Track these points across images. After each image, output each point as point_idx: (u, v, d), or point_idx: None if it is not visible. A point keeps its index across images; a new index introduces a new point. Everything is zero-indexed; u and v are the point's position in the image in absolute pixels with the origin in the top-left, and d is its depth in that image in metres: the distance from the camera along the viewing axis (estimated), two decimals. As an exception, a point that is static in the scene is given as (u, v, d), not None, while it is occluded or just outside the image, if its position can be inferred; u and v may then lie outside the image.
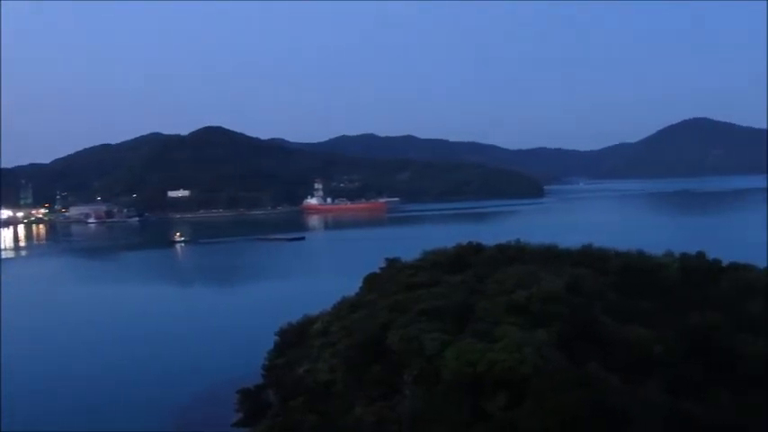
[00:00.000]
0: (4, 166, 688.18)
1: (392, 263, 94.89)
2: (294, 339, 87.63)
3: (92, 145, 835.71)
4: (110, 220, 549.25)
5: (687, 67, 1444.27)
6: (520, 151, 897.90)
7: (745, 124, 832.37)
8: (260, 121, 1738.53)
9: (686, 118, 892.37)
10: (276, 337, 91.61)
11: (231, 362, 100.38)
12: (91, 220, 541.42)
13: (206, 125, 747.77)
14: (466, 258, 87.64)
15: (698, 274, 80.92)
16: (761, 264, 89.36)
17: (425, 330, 62.51)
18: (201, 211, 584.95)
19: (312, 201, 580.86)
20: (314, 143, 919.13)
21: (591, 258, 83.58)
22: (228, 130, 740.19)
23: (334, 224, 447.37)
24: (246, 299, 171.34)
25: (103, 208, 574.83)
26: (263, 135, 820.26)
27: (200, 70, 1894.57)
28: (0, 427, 75.01)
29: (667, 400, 53.76)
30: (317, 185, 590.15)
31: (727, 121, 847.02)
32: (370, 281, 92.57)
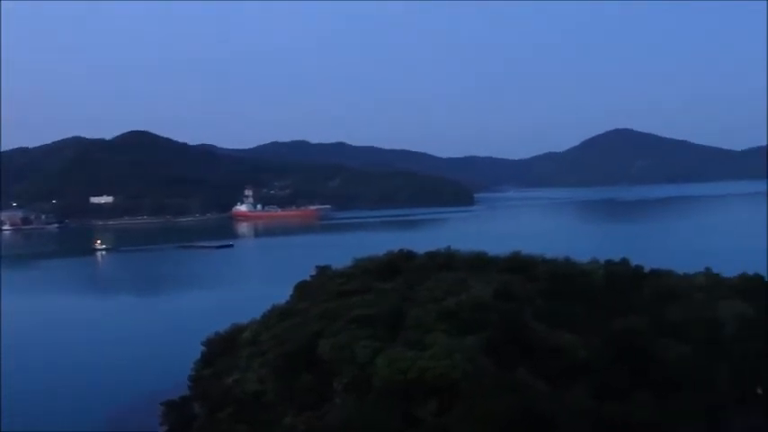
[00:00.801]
0: None
1: (323, 270, 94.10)
2: (222, 349, 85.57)
3: (7, 149, 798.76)
4: (27, 227, 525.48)
5: (612, 79, 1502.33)
6: (451, 159, 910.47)
7: (667, 135, 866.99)
8: (188, 126, 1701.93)
9: (611, 128, 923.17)
10: (203, 348, 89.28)
11: (156, 373, 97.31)
12: (6, 228, 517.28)
13: (131, 129, 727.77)
14: (397, 266, 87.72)
15: (622, 281, 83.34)
16: (681, 269, 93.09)
17: (357, 338, 62.10)
18: (126, 218, 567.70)
19: (242, 208, 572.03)
20: (244, 149, 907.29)
21: (520, 265, 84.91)
22: (155, 135, 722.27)
23: (264, 231, 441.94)
24: (171, 309, 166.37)
25: (20, 214, 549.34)
26: (192, 141, 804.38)
27: (125, 71, 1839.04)
28: None
29: (593, 404, 54.89)
30: (247, 192, 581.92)
31: (650, 132, 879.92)
32: (301, 289, 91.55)
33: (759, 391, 66.88)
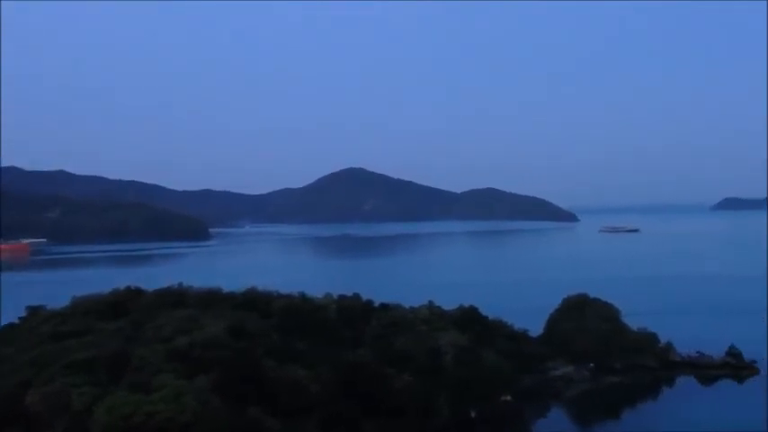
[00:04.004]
0: None
1: (35, 311, 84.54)
2: None
3: None
4: None
5: (347, 120, 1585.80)
6: (186, 192, 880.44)
7: (395, 176, 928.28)
8: None
9: (346, 167, 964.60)
10: None
11: None
12: None
13: None
14: (123, 304, 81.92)
15: (353, 315, 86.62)
16: (408, 302, 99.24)
17: (73, 385, 56.35)
18: None
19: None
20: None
21: (255, 301, 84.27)
22: None
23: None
24: None
25: None
26: None
27: None
28: None
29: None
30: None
31: (381, 172, 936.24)
32: (6, 334, 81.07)
33: (472, 414, 73.12)
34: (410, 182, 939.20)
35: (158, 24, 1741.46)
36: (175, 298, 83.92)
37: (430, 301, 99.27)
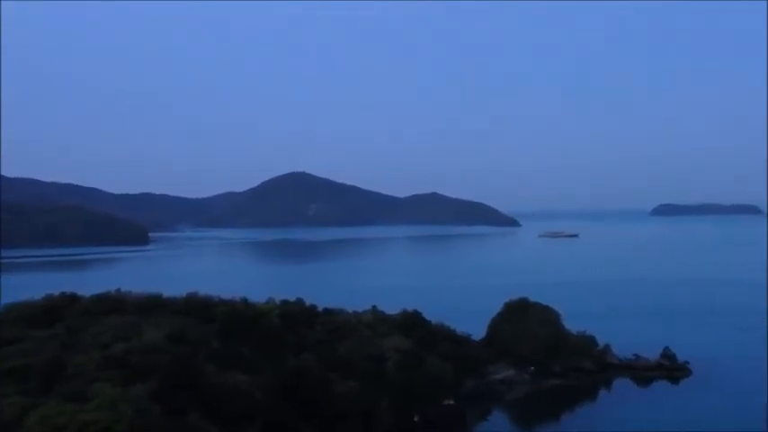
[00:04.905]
0: None
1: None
2: None
3: None
4: None
5: (288, 123, 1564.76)
6: (125, 196, 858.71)
7: (339, 180, 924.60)
8: None
9: (289, 171, 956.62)
10: None
11: None
12: None
13: None
14: (58, 311, 79.28)
15: (296, 320, 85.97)
16: (352, 307, 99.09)
17: (4, 394, 54.17)
18: None
19: None
20: None
21: (196, 307, 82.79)
22: None
23: None
24: None
25: None
26: None
27: None
28: None
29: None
30: None
31: (325, 176, 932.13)
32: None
33: (415, 418, 73.45)
34: (354, 186, 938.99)
35: (93, 20, 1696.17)
36: (113, 304, 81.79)
37: (374, 306, 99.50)
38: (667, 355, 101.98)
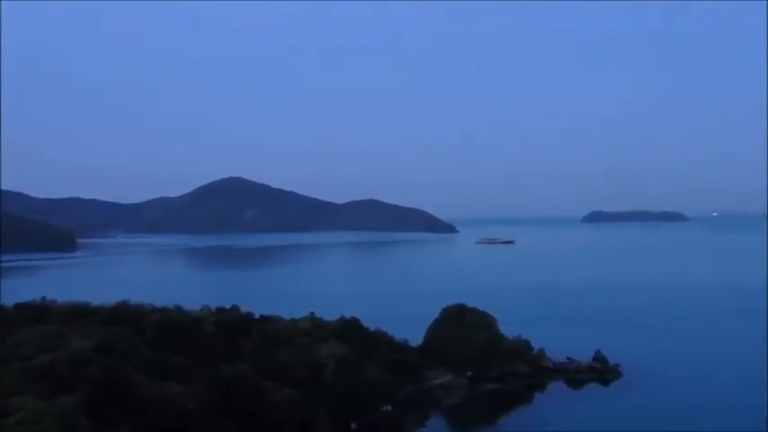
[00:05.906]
0: None
1: None
2: None
3: None
4: None
5: (226, 124, 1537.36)
6: (51, 200, 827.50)
7: (276, 186, 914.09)
8: None
9: (225, 176, 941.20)
10: None
11: None
12: None
13: None
14: (-23, 320, 75.31)
15: (232, 327, 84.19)
16: (288, 314, 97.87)
17: None
18: None
19: None
20: None
21: (126, 315, 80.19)
22: None
23: None
24: None
25: None
26: None
27: None
28: None
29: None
30: None
31: (261, 181, 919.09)
32: None
33: (353, 425, 72.78)
34: (291, 192, 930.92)
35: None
36: (37, 312, 78.43)
37: (311, 313, 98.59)
38: (599, 358, 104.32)
